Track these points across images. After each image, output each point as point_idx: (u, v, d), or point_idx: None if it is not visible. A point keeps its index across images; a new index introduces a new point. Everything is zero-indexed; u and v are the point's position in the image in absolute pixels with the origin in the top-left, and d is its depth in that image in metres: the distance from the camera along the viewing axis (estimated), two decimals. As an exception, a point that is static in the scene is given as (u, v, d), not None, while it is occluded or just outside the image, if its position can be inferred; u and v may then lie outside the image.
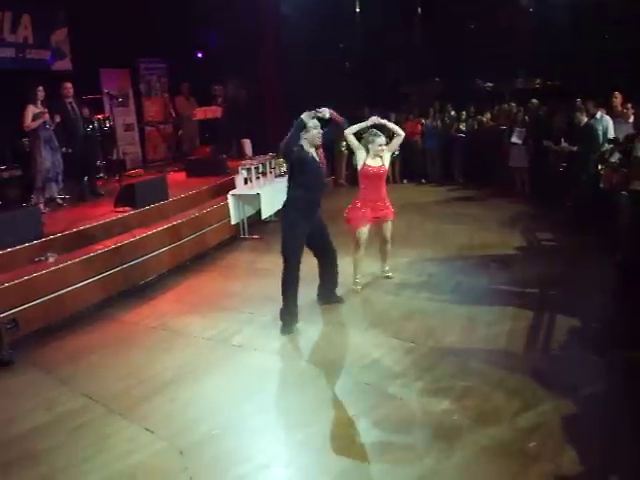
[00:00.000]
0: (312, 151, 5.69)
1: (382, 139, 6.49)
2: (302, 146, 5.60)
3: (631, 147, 7.20)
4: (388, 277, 6.94)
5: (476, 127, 13.20)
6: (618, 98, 9.34)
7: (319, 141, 5.71)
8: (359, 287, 6.62)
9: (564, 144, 9.37)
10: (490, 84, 16.74)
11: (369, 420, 4.12)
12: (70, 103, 9.05)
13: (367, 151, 6.50)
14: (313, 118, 5.58)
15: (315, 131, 5.63)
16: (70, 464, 3.83)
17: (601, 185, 8.07)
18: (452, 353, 5.04)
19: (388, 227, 6.68)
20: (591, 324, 5.62)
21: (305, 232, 5.71)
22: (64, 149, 8.97)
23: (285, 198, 5.79)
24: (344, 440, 3.92)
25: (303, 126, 5.53)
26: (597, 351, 5.09)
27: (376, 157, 6.51)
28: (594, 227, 8.05)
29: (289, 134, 5.51)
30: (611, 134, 8.66)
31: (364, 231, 6.51)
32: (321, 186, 5.88)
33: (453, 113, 13.53)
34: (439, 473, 3.53)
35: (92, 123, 10.27)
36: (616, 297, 6.43)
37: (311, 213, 5.77)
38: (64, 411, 4.48)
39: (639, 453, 3.64)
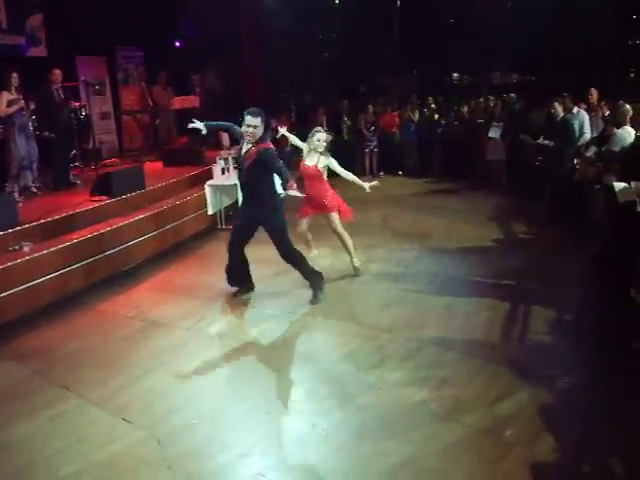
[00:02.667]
0: None
1: (322, 135, 6.54)
2: None
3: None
4: (356, 269, 6.81)
5: (455, 120, 13.25)
6: (594, 94, 9.47)
7: None
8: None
9: (541, 139, 9.45)
10: (456, 76, 16.90)
11: (348, 410, 4.14)
12: (57, 89, 8.93)
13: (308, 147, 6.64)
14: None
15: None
16: (47, 454, 3.79)
17: (576, 178, 8.19)
18: (430, 343, 5.08)
19: (331, 220, 6.60)
20: (566, 314, 5.71)
21: None
22: (46, 133, 8.87)
23: (272, 197, 5.86)
24: (323, 429, 3.93)
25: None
26: (572, 341, 5.18)
27: (314, 153, 6.55)
28: (570, 220, 8.15)
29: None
30: (587, 129, 8.78)
31: (301, 225, 6.79)
32: None
33: (433, 106, 13.56)
34: (418, 460, 3.56)
35: (72, 111, 10.12)
36: (591, 288, 6.55)
37: None
38: (40, 402, 4.42)
39: (614, 441, 3.71)
